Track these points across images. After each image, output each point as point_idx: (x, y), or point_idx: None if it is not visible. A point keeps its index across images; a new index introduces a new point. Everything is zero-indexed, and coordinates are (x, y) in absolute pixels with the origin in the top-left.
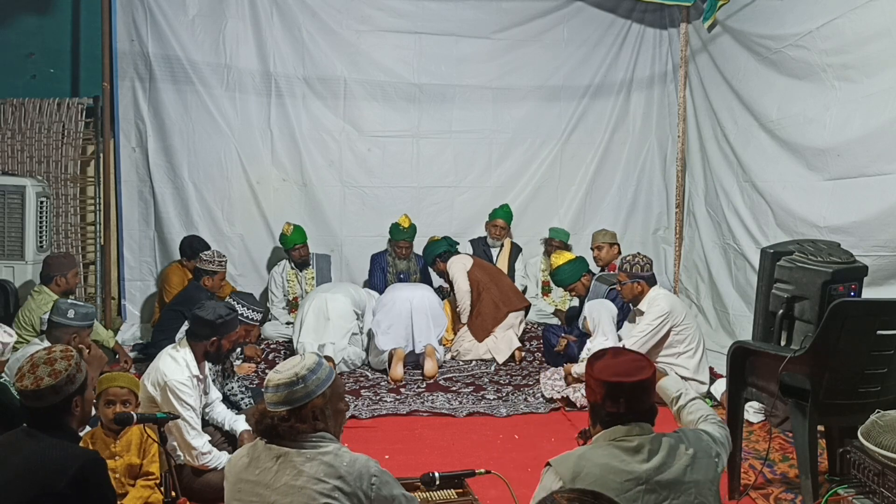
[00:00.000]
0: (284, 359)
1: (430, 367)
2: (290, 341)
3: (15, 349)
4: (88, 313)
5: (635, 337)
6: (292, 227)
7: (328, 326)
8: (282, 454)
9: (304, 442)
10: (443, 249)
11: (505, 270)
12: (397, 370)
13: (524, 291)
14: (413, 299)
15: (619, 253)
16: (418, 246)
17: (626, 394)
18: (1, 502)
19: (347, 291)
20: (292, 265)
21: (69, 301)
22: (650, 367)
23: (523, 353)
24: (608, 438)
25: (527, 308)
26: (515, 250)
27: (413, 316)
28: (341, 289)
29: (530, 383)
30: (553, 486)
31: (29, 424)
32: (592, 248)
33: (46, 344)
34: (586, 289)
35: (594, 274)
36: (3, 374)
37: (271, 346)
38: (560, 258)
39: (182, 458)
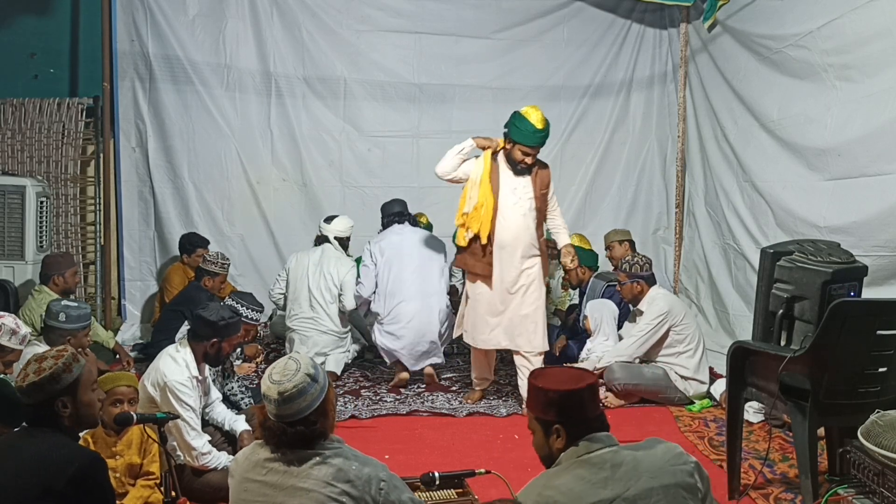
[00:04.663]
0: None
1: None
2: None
3: None
4: (81, 315)
5: (634, 336)
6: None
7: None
8: (291, 456)
9: (314, 444)
10: None
11: None
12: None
13: None
14: (423, 322)
15: (633, 249)
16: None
17: (580, 401)
18: (1, 502)
19: (329, 274)
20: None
21: (61, 303)
22: (592, 375)
23: None
24: (573, 457)
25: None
26: None
27: (425, 336)
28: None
29: None
30: None
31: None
32: (606, 249)
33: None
34: (580, 281)
35: (597, 273)
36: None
37: (272, 346)
38: (579, 241)
39: (182, 458)
